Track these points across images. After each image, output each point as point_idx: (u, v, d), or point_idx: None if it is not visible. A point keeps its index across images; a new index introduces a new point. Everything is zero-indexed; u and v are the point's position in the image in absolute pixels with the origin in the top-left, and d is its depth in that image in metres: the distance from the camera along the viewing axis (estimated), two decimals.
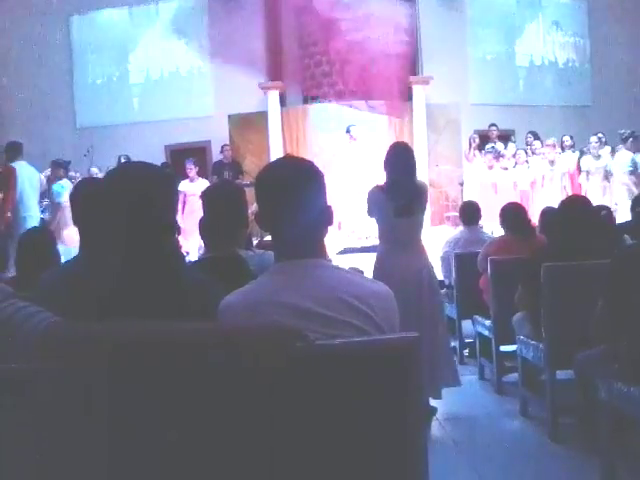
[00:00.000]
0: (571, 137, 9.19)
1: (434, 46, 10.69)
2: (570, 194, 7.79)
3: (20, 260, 3.05)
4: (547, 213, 4.49)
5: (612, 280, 2.48)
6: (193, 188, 8.24)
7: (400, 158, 3.48)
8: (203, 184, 8.39)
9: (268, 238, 4.78)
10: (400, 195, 3.43)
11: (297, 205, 1.43)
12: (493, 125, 9.76)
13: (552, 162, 8.69)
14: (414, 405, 1.25)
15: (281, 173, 1.50)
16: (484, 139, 9.63)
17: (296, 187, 1.44)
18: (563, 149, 9.11)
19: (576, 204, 3.48)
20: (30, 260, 2.94)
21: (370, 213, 3.61)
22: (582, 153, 8.95)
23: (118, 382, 1.15)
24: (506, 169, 8.75)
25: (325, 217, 1.49)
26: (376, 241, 3.85)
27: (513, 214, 4.46)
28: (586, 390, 2.78)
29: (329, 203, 1.51)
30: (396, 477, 1.25)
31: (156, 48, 11.48)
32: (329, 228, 1.53)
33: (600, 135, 8.89)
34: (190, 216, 6.99)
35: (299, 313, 1.34)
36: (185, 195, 8.06)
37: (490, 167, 8.74)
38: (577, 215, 3.29)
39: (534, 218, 5.32)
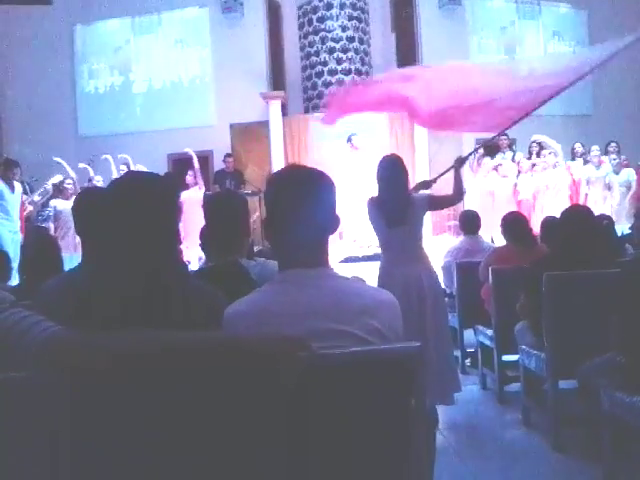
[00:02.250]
0: (582, 145, 9.17)
1: (435, 55, 10.72)
2: (571, 203, 7.79)
3: (24, 268, 3.05)
4: (548, 223, 4.49)
5: (623, 288, 2.48)
6: (189, 195, 8.29)
7: (387, 171, 3.56)
8: (196, 191, 8.44)
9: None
10: (389, 207, 3.51)
11: (305, 209, 1.42)
12: (503, 134, 9.77)
13: (554, 166, 8.68)
14: (417, 414, 1.25)
15: (292, 177, 1.50)
16: (494, 149, 9.64)
17: (306, 191, 1.44)
18: (574, 157, 9.12)
19: (578, 214, 3.48)
20: (34, 268, 2.94)
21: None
22: (586, 162, 8.96)
23: (120, 391, 1.15)
24: (506, 177, 8.74)
25: (331, 226, 1.49)
26: (377, 250, 3.88)
27: (514, 224, 4.46)
28: (589, 400, 2.77)
29: (338, 214, 1.50)
30: None
31: (159, 58, 11.54)
32: (330, 237, 1.53)
33: (614, 144, 8.89)
34: (191, 224, 6.98)
35: (304, 327, 1.33)
36: (182, 203, 8.06)
37: (494, 169, 8.75)
38: (579, 225, 3.29)
39: (536, 227, 5.32)
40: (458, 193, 3.73)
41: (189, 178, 8.75)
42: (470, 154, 4.02)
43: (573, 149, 9.18)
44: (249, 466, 1.19)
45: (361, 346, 1.35)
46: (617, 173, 8.50)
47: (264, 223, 1.50)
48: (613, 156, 8.56)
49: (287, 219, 1.45)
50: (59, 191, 8.11)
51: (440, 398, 3.43)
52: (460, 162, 3.86)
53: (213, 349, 1.18)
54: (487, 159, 8.98)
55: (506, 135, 9.78)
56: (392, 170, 3.55)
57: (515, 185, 8.83)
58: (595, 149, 8.76)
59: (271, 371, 1.16)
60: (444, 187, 3.81)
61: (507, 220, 4.55)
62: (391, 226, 3.51)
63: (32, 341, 1.15)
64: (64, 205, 7.74)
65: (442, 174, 3.99)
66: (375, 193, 3.64)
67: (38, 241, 3.34)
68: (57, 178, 8.13)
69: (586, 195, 8.66)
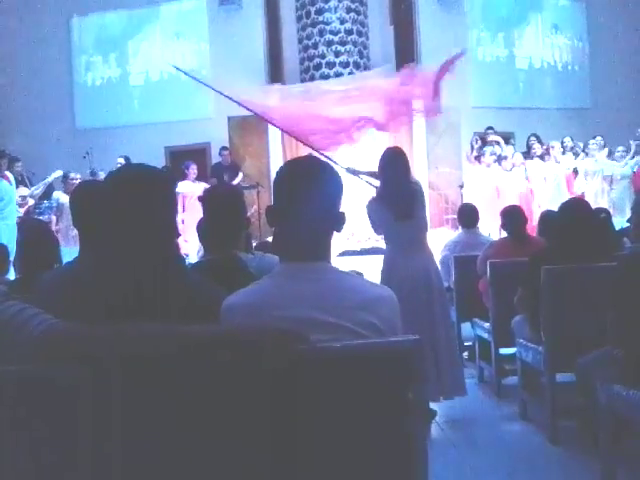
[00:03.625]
0: (572, 138, 9.19)
1: (433, 49, 10.69)
2: (568, 196, 7.79)
3: (21, 261, 3.02)
4: (547, 216, 4.49)
5: (620, 282, 2.48)
6: (195, 189, 8.28)
7: (392, 164, 3.56)
8: (198, 185, 8.44)
9: (268, 239, 4.73)
10: (396, 200, 3.50)
11: (309, 201, 1.42)
12: (490, 128, 9.77)
13: (553, 164, 8.68)
14: (414, 407, 1.25)
15: (295, 169, 1.51)
16: (483, 142, 9.65)
17: (312, 183, 1.43)
18: (564, 151, 9.11)
19: (576, 207, 3.49)
20: (31, 261, 2.92)
21: (375, 228, 3.67)
22: (576, 155, 8.98)
23: (118, 384, 1.14)
24: (509, 170, 8.74)
25: (335, 222, 1.48)
26: (375, 243, 3.89)
27: (513, 217, 4.46)
28: (586, 393, 2.77)
29: (342, 210, 1.49)
30: (396, 479, 1.25)
31: (156, 50, 11.49)
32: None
33: (599, 138, 8.91)
34: (191, 217, 7.00)
35: (302, 321, 1.33)
36: (184, 197, 8.06)
37: (488, 165, 8.74)
38: (577, 218, 3.30)
39: (535, 220, 5.32)
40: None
41: (191, 172, 8.72)
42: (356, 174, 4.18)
43: (562, 143, 9.17)
44: (245, 459, 1.19)
45: (357, 340, 1.34)
46: (622, 165, 8.52)
47: (267, 209, 1.50)
48: (620, 148, 8.58)
49: (287, 211, 1.44)
50: (64, 184, 8.13)
51: (454, 390, 3.44)
52: (353, 172, 4.09)
53: (209, 342, 1.18)
54: (489, 150, 8.97)
55: (492, 129, 9.77)
56: (396, 163, 3.55)
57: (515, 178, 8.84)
58: (593, 142, 8.77)
59: (264, 363, 1.16)
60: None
61: (506, 213, 4.56)
62: (400, 219, 3.49)
63: (30, 334, 1.15)
64: (67, 198, 7.76)
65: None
66: (372, 192, 3.65)
67: (36, 234, 3.33)
68: (58, 173, 8.15)
69: (582, 187, 8.67)
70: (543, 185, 8.70)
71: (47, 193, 8.25)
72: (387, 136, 9.68)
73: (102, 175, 8.44)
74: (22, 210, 7.74)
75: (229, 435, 1.19)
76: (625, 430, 2.51)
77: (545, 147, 8.92)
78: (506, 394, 3.93)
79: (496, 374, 4.01)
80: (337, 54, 10.20)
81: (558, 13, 12.13)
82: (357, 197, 4.04)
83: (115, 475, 1.16)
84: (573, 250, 3.19)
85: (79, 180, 7.92)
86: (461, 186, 9.35)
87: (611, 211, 6.31)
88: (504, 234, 4.70)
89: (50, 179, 8.09)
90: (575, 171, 8.83)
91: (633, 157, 8.72)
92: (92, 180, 6.94)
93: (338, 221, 1.48)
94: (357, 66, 10.32)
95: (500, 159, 8.90)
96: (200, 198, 2.46)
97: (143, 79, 11.61)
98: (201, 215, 2.48)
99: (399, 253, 3.56)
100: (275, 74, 10.95)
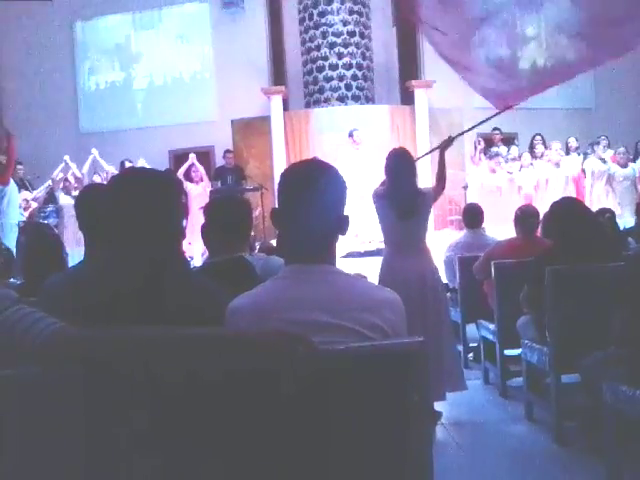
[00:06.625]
0: (576, 139, 9.15)
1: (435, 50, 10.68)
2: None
3: (27, 265, 3.03)
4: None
5: (627, 282, 2.48)
6: (196, 190, 8.32)
7: (396, 164, 3.58)
8: (201, 186, 8.48)
9: (272, 242, 4.73)
10: (400, 199, 3.52)
11: (313, 204, 1.42)
12: (496, 129, 9.74)
13: (557, 165, 8.64)
14: (419, 409, 1.25)
15: (305, 170, 1.51)
16: (488, 143, 9.62)
17: (314, 186, 1.43)
18: (568, 151, 9.07)
19: (565, 205, 3.50)
20: (37, 265, 2.93)
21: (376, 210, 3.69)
22: (586, 155, 8.93)
23: (123, 388, 1.15)
24: (511, 173, 8.70)
25: (339, 225, 1.48)
26: (379, 245, 3.89)
27: (525, 216, 4.41)
28: (591, 394, 2.77)
29: (347, 214, 1.50)
30: None
31: (159, 54, 11.52)
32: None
33: (603, 137, 8.89)
34: (193, 219, 7.02)
35: (308, 324, 1.33)
36: (189, 199, 8.11)
37: (492, 171, 8.70)
38: (571, 215, 3.30)
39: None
40: (441, 179, 3.79)
41: (193, 174, 8.75)
42: (459, 135, 4.11)
43: (567, 144, 9.14)
44: (249, 461, 1.19)
45: (362, 342, 1.35)
46: (625, 166, 8.48)
47: (272, 212, 1.50)
48: (622, 149, 8.55)
49: (291, 214, 1.45)
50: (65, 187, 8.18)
51: (449, 387, 3.43)
52: (447, 142, 3.91)
53: (210, 345, 1.18)
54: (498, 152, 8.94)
55: (499, 130, 9.76)
56: (402, 163, 3.57)
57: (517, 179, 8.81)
58: (603, 143, 8.75)
59: (270, 367, 1.16)
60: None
61: (518, 212, 4.50)
62: (402, 218, 3.51)
63: (36, 338, 1.15)
64: (66, 200, 7.82)
65: (427, 153, 4.05)
66: (376, 185, 3.66)
67: (41, 238, 3.34)
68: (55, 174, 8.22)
69: (584, 188, 8.63)
70: (545, 186, 8.67)
71: (50, 197, 8.29)
72: (390, 137, 9.73)
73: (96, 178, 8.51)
74: (26, 213, 7.77)
75: (231, 437, 1.19)
76: (631, 431, 2.50)
77: (548, 147, 8.89)
78: (511, 395, 3.92)
79: (501, 375, 4.00)
80: (340, 56, 10.21)
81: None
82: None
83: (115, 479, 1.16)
84: (575, 249, 3.18)
85: (66, 180, 8.00)
86: (465, 187, 9.33)
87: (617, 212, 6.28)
88: (514, 234, 4.63)
89: (50, 183, 8.17)
90: (583, 172, 8.79)
91: (637, 159, 8.69)
92: (97, 183, 6.98)
93: (342, 224, 1.48)
94: (360, 68, 10.34)
95: (505, 160, 8.86)
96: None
97: (147, 83, 11.64)
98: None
99: (396, 254, 3.58)
100: (278, 76, 10.98)
